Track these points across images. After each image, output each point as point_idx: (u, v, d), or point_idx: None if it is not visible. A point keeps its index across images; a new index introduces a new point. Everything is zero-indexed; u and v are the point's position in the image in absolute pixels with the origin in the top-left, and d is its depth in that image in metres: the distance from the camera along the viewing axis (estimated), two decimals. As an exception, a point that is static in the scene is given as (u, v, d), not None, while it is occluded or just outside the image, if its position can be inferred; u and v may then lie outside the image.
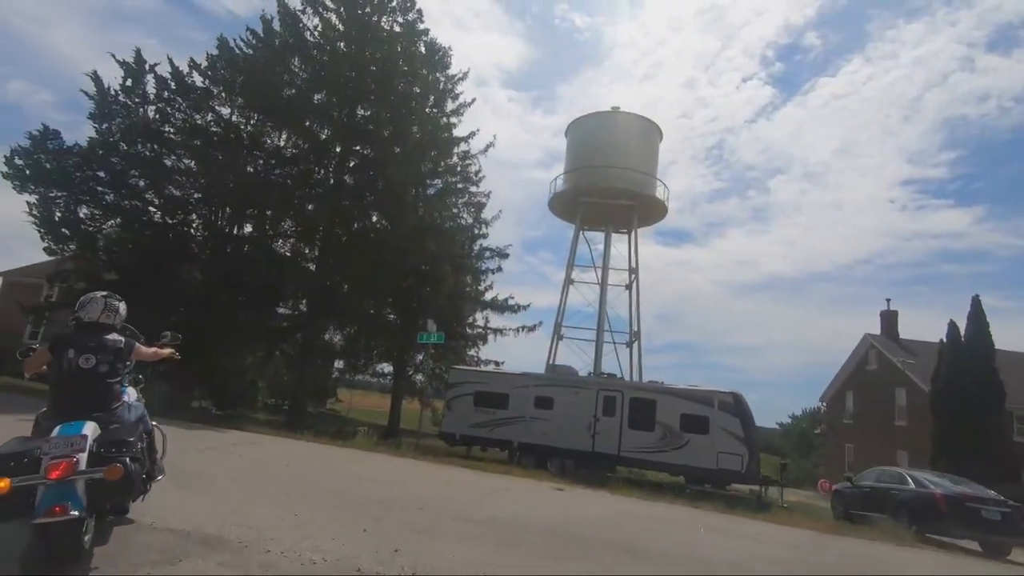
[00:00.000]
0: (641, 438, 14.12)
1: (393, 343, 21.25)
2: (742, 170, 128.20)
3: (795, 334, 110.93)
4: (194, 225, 17.20)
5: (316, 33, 18.31)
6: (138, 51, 15.75)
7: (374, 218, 18.63)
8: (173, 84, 16.39)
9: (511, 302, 21.78)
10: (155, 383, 19.14)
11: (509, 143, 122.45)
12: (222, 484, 5.63)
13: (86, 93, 15.35)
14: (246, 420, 12.39)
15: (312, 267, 17.98)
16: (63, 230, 14.17)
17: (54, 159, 14.05)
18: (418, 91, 19.39)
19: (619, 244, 25.62)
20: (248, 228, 17.73)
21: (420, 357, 24.81)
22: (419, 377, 28.05)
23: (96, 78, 15.43)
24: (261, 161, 17.68)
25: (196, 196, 17.15)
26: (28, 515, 2.72)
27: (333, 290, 17.50)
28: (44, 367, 3.64)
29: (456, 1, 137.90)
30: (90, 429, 3.09)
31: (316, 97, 18.18)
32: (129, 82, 15.60)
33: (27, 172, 13.68)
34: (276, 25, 17.83)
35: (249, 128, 17.75)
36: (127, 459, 3.06)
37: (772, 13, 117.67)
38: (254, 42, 17.65)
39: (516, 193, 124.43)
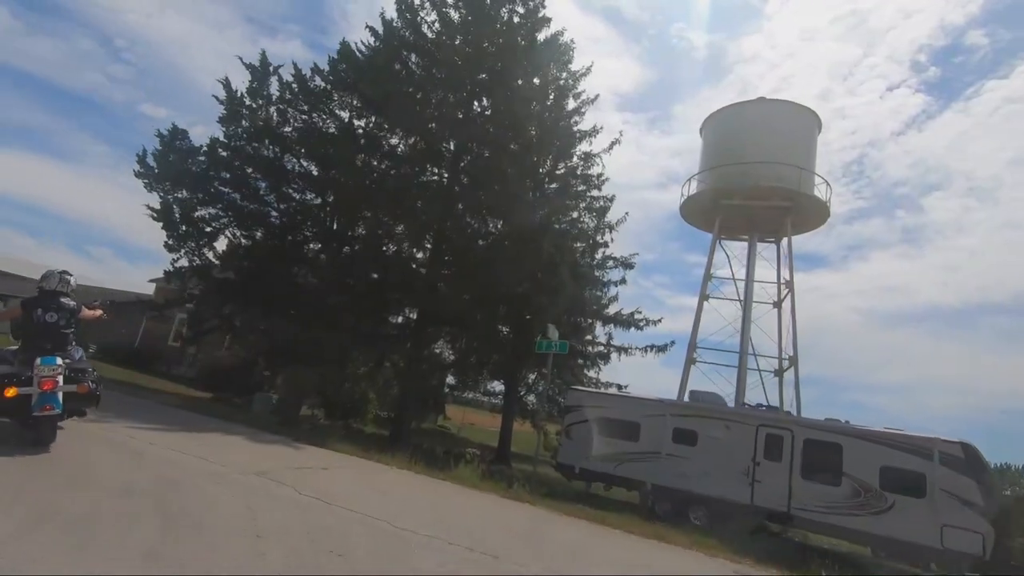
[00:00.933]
0: (821, 493, 10.73)
1: (504, 358, 19.51)
2: (888, 187, 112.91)
3: (960, 373, 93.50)
4: (309, 228, 16.87)
5: (434, 28, 17.51)
6: (263, 54, 15.87)
7: (488, 220, 17.18)
8: (295, 86, 16.33)
9: (638, 317, 19.06)
10: (263, 391, 19.31)
11: (624, 165, 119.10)
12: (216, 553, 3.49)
13: (216, 98, 15.65)
14: (339, 437, 11.00)
15: (422, 271, 16.82)
16: (183, 228, 14.30)
17: (181, 159, 14.27)
18: (537, 83, 17.84)
19: (762, 254, 21.87)
20: (361, 231, 17.04)
21: (532, 376, 22.97)
22: (531, 398, 26.20)
23: (226, 83, 15.72)
24: (375, 162, 17.03)
25: (313, 199, 16.88)
26: (25, 413, 4.88)
27: (443, 296, 16.14)
28: (10, 320, 5.72)
29: (574, 29, 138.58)
30: (61, 361, 5.14)
31: (432, 95, 17.29)
32: (255, 84, 15.67)
33: (156, 171, 13.98)
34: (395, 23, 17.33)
35: (366, 128, 17.24)
36: (90, 380, 5.48)
37: (925, 14, 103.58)
38: (373, 41, 17.19)
39: (631, 215, 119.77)
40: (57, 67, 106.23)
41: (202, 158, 14.75)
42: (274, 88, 16.23)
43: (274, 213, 16.27)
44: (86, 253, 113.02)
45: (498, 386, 25.13)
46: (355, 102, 17.09)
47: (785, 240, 21.78)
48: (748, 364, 20.31)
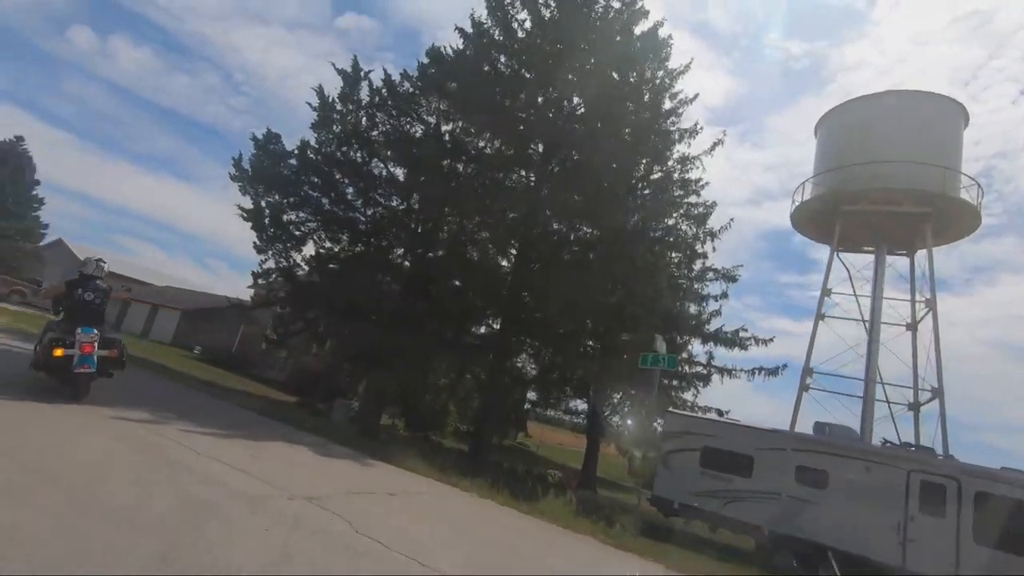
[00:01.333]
0: (1004, 564, 8.44)
1: (590, 374, 18.12)
2: (1021, 202, 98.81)
3: None
4: (395, 233, 16.57)
5: (524, 27, 16.83)
6: (355, 58, 15.88)
7: (577, 225, 16.05)
8: (384, 91, 16.21)
9: (744, 335, 17.00)
10: (346, 398, 19.19)
11: (714, 180, 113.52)
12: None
13: (310, 104, 15.81)
14: (415, 453, 10.14)
15: (507, 279, 15.96)
16: (272, 231, 14.39)
17: (273, 162, 14.42)
18: (632, 80, 16.60)
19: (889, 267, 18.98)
20: (445, 235, 16.50)
21: (619, 394, 21.34)
22: (615, 419, 24.49)
23: (319, 90, 15.87)
24: (460, 166, 16.49)
25: (399, 204, 16.60)
26: (67, 370, 6.14)
27: (528, 305, 15.15)
28: (54, 297, 7.26)
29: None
30: (96, 331, 6.47)
31: (520, 95, 16.56)
32: (346, 89, 15.68)
33: (250, 174, 14.20)
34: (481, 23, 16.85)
35: (452, 132, 16.79)
36: (120, 347, 6.85)
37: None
38: (462, 43, 16.77)
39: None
40: (188, 100, 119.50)
41: (293, 161, 14.86)
42: (364, 93, 16.19)
43: (361, 218, 16.12)
44: (204, 264, 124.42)
45: (580, 404, 23.83)
46: (442, 105, 16.70)
47: (921, 252, 18.84)
48: (875, 394, 17.55)
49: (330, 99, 15.59)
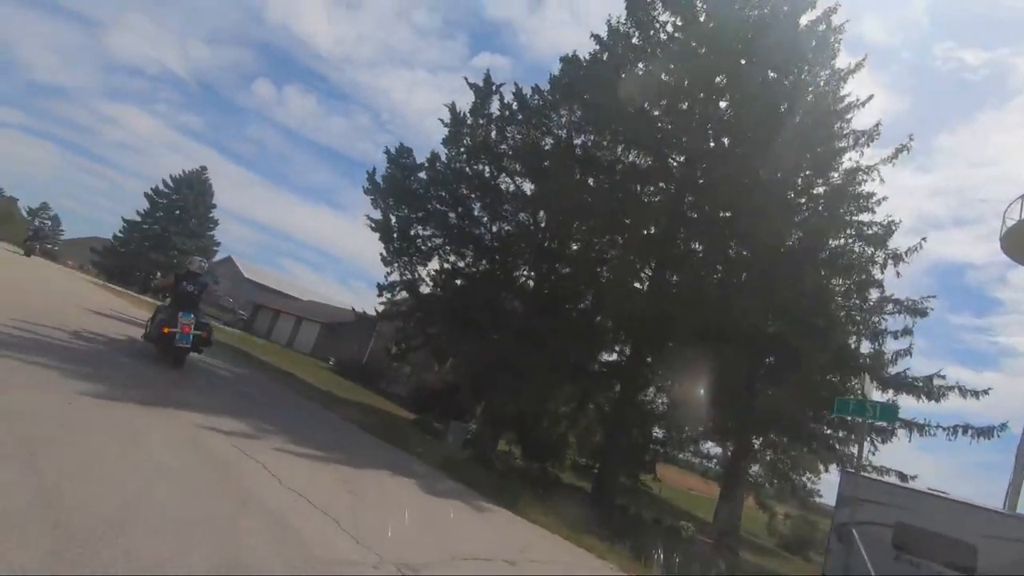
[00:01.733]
0: None
1: (731, 414, 15.71)
2: None
3: None
4: (521, 250, 15.85)
5: (666, 29, 15.49)
6: (487, 73, 15.62)
7: (725, 244, 14.10)
8: (515, 105, 15.74)
9: (940, 384, 13.62)
10: (464, 419, 18.59)
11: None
12: None
13: (442, 121, 15.78)
14: (534, 492, 8.92)
15: (640, 301, 14.39)
16: (399, 244, 14.31)
17: (404, 175, 14.45)
18: (791, 81, 14.45)
19: None
20: (574, 251, 15.43)
21: (758, 441, 18.49)
22: (758, 468, 21.45)
23: (452, 107, 15.81)
24: (592, 179, 15.39)
25: (527, 220, 15.89)
26: (170, 344, 7.99)
27: (663, 331, 13.44)
28: (163, 287, 10.40)
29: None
30: (193, 316, 8.07)
31: (662, 101, 15.17)
32: (478, 102, 15.45)
33: (381, 187, 14.33)
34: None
35: (584, 143, 15.82)
36: (209, 330, 8.65)
37: None
38: (598, 49, 15.83)
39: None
40: (343, 139, 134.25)
41: (423, 175, 14.82)
42: (495, 108, 15.85)
43: (487, 234, 15.64)
44: (348, 284, 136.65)
45: (713, 448, 21.16)
46: (574, 116, 15.83)
47: None
48: None
49: (461, 114, 15.43)
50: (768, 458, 20.57)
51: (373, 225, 14.59)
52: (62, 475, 3.35)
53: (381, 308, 17.23)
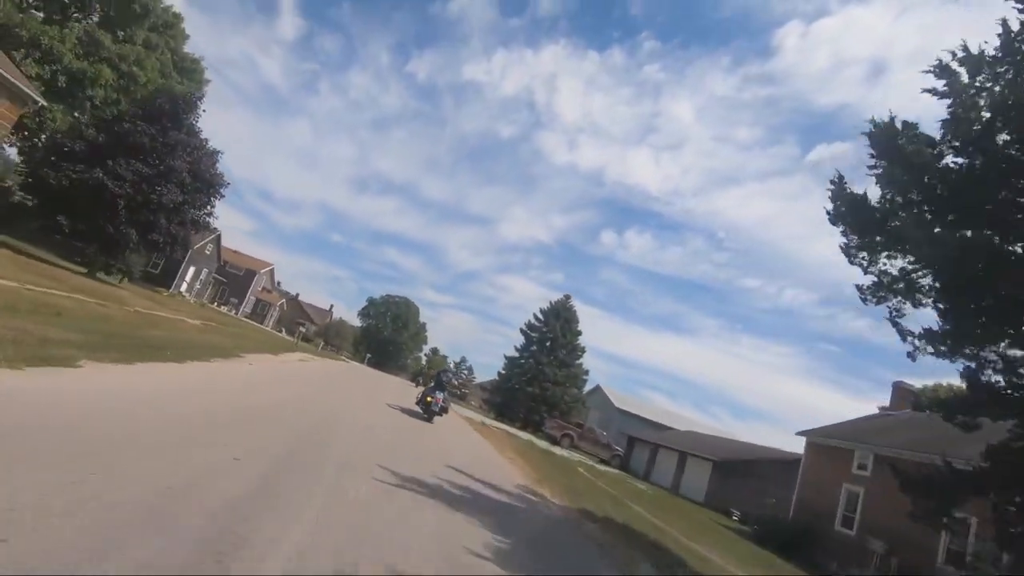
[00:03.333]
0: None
1: None
2: None
3: None
4: None
5: None
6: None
7: None
8: None
9: None
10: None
11: None
12: None
13: (932, 91, 8.17)
14: None
15: None
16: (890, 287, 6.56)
17: (912, 162, 7.05)
18: None
19: None
20: None
21: None
22: None
23: (1004, 24, 8.16)
24: None
25: None
26: (429, 408, 15.39)
27: None
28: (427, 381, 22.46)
29: None
30: (439, 394, 15.80)
31: None
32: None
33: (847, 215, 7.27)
34: None
35: None
36: (448, 403, 17.13)
37: None
38: None
39: None
40: (681, 266, 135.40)
41: (956, 162, 7.12)
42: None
43: None
44: (705, 410, 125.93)
45: None
46: None
47: None
48: None
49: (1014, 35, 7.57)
50: None
51: (848, 249, 7.52)
52: None
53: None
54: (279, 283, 76.37)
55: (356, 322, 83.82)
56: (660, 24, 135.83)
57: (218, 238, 43.58)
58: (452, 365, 23.76)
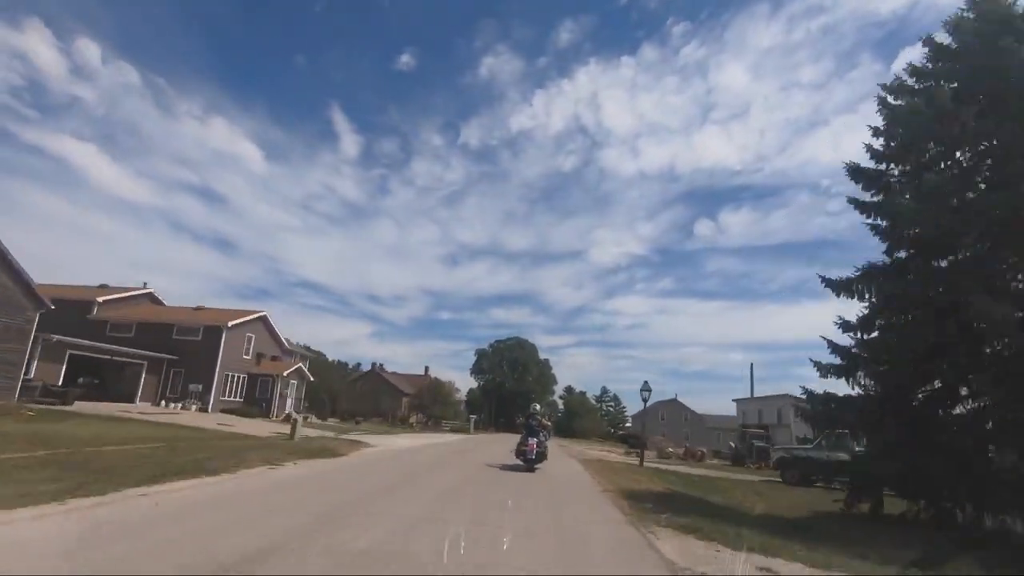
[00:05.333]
0: None
1: None
2: None
3: None
4: None
5: None
6: None
7: None
8: None
9: None
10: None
11: None
12: None
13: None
14: None
15: None
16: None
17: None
18: None
19: None
20: None
21: None
22: None
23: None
24: None
25: None
26: (525, 454, 14.42)
27: None
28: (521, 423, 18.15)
29: None
30: (534, 440, 14.45)
31: None
32: None
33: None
34: None
35: None
36: (544, 447, 15.13)
37: None
38: None
39: None
40: (790, 229, 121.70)
41: None
42: None
43: None
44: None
45: None
46: None
47: None
48: None
49: None
50: None
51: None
52: None
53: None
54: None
55: (471, 383, 77.37)
56: (681, 4, 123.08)
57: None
58: (537, 408, 17.23)
